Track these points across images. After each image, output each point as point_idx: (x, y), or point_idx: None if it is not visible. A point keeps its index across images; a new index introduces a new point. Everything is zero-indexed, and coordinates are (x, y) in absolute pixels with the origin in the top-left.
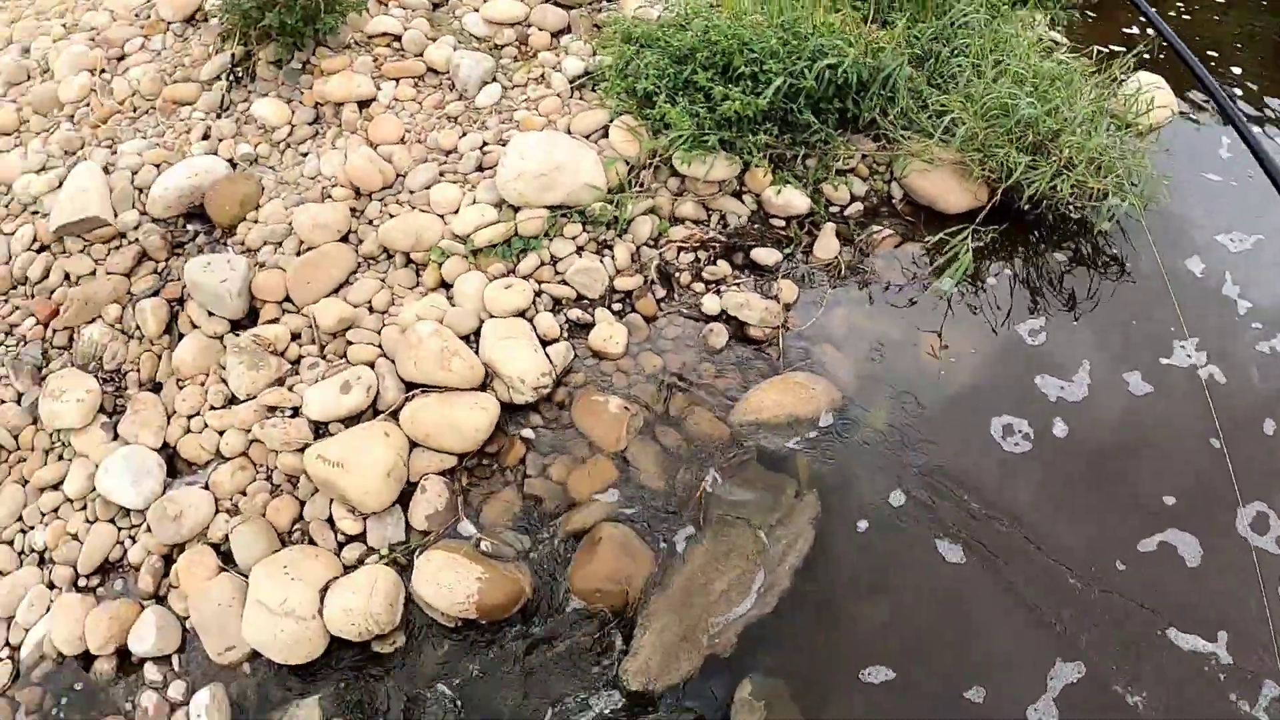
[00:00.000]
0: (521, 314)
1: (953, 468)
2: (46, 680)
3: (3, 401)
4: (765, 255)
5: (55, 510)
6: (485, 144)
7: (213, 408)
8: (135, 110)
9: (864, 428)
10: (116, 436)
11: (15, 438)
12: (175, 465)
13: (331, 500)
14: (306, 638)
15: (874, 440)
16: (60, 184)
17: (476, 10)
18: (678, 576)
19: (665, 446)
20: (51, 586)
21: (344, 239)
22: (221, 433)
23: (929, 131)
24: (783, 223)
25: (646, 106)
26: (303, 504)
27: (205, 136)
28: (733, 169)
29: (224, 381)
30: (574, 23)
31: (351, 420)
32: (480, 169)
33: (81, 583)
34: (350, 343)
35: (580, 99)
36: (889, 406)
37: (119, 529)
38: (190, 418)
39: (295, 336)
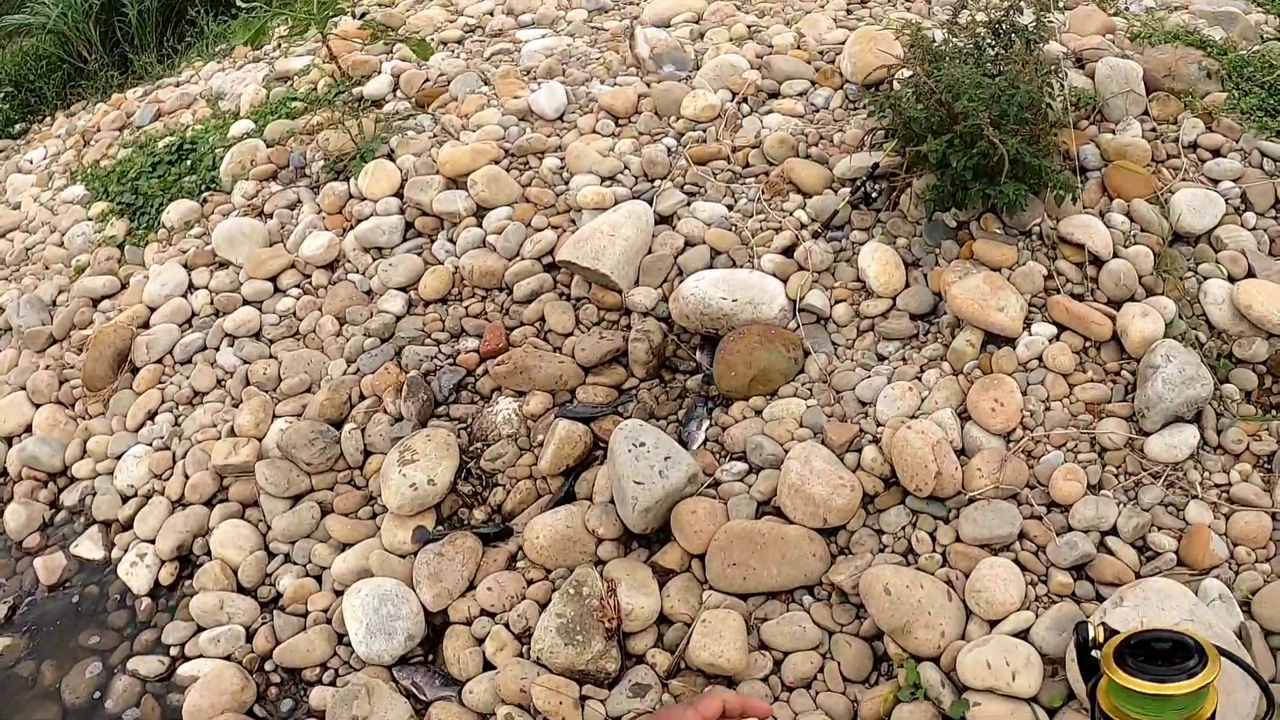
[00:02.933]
0: None
1: None
2: None
3: (382, 411)
4: None
5: (322, 569)
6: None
7: (507, 626)
8: (744, 165)
9: None
10: (418, 553)
11: (364, 455)
12: (442, 637)
13: None
14: None
15: None
16: (607, 206)
17: (1231, 281)
18: None
19: None
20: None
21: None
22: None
23: None
24: None
25: None
26: None
27: (787, 251)
28: None
29: (542, 606)
30: None
31: None
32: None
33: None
34: None
35: None
36: None
37: (338, 656)
38: (487, 613)
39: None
